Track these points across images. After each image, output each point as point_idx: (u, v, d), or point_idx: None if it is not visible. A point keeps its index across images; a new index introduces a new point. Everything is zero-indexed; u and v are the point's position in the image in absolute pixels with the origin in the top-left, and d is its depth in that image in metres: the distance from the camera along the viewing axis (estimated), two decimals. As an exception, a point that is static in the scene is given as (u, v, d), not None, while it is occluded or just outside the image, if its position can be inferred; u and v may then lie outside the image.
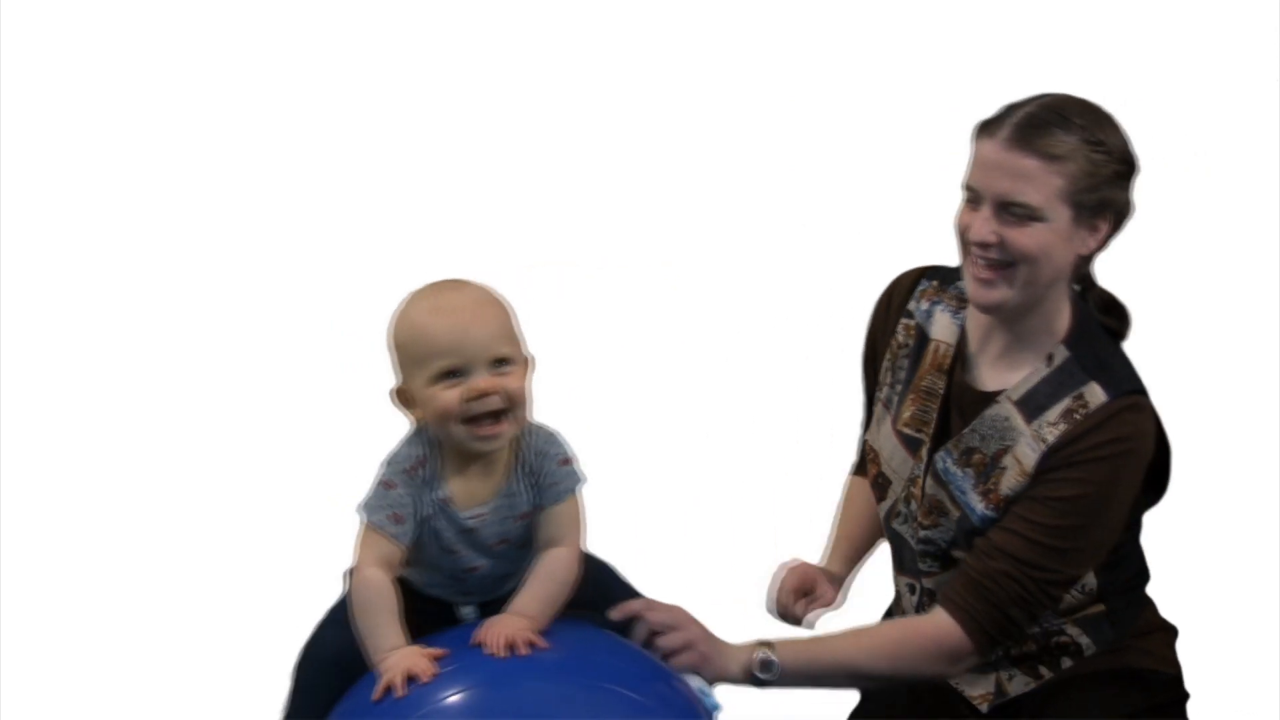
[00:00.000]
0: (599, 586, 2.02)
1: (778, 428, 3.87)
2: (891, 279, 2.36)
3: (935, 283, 2.29)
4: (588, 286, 4.26)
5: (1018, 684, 2.22)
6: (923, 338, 2.26)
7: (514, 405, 1.85)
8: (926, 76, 4.33)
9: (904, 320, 2.29)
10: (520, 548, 1.94)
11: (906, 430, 2.24)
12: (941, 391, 2.21)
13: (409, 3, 4.61)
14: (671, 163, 4.47)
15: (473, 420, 1.83)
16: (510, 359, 1.85)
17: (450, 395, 1.83)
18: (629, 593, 2.06)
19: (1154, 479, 2.18)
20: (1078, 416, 2.07)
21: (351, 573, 1.90)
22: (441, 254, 4.33)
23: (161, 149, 4.47)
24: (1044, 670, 2.22)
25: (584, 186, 4.44)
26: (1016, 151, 2.04)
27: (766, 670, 2.06)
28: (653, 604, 2.03)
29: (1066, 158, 2.03)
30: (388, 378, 1.92)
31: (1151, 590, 2.30)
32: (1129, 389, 2.09)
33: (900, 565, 2.33)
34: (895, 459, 2.26)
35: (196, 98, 4.52)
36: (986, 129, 2.09)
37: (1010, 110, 2.09)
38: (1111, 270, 2.25)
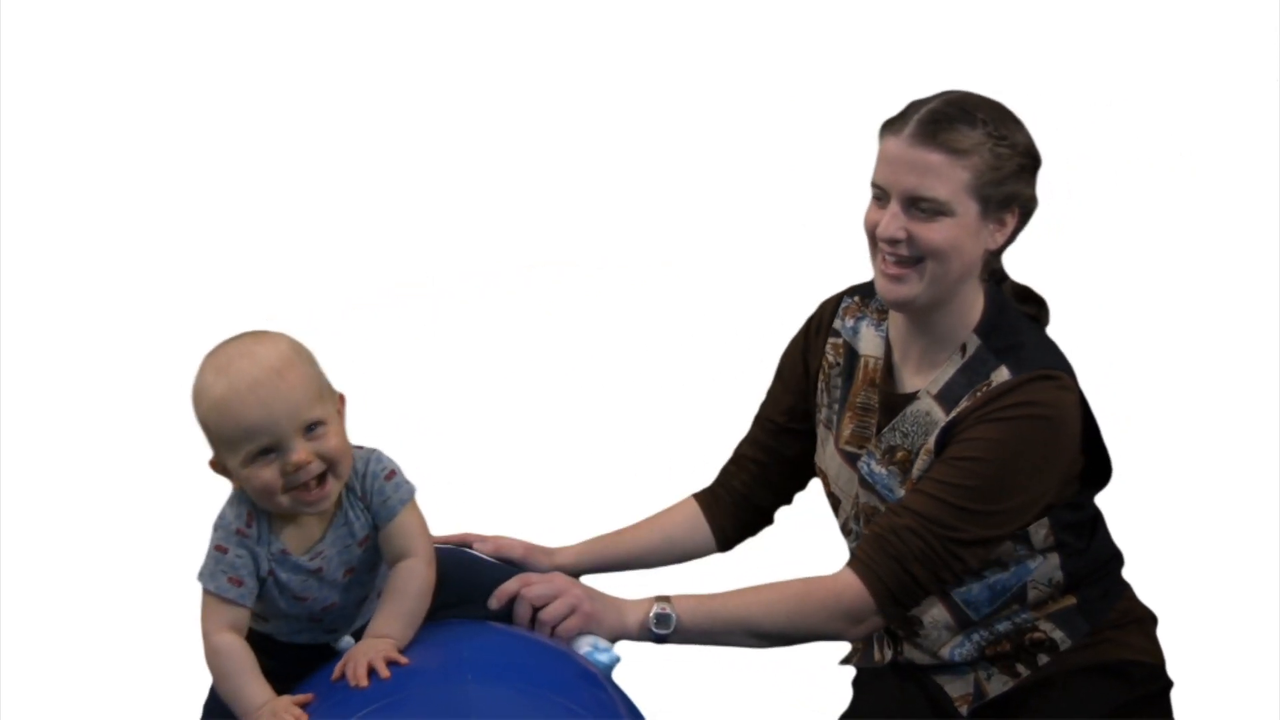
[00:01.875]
0: (471, 581, 2.00)
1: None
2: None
3: (857, 299, 2.29)
4: (588, 286, 4.29)
5: (996, 684, 2.21)
6: (852, 355, 2.26)
7: (335, 463, 1.80)
8: (928, 77, 4.33)
9: (831, 340, 2.29)
10: (370, 571, 1.91)
11: (848, 448, 2.23)
12: (876, 405, 2.21)
13: (410, 3, 4.64)
14: (671, 162, 4.48)
15: (297, 488, 1.78)
16: (321, 419, 1.78)
17: (269, 473, 1.76)
18: (504, 576, 2.03)
19: (1092, 465, 2.16)
20: (979, 394, 2.07)
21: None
22: (442, 254, 4.38)
23: (159, 148, 4.51)
24: (1021, 669, 2.20)
25: (584, 186, 4.47)
26: (921, 147, 2.04)
27: (663, 625, 2.03)
28: (528, 579, 2.01)
29: (971, 151, 2.04)
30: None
31: (1129, 575, 2.29)
32: (1043, 367, 2.08)
33: None
34: (841, 478, 2.26)
35: (195, 97, 4.56)
36: (890, 126, 2.10)
37: (914, 107, 2.10)
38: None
